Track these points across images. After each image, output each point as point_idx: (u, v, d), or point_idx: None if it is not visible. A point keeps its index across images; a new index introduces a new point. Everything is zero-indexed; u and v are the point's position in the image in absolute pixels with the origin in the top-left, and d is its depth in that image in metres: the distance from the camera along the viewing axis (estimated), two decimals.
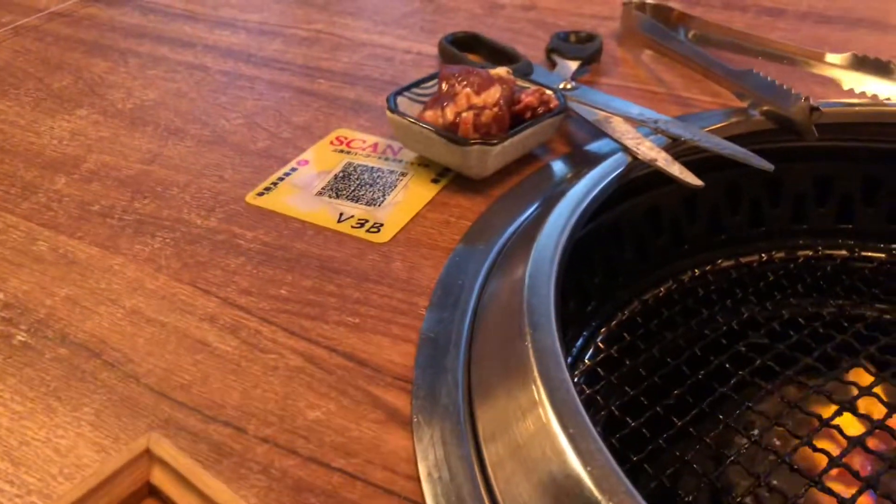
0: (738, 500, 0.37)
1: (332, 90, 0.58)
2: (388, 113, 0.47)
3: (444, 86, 0.47)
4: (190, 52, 0.64)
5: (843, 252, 0.52)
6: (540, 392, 0.30)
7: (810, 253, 0.52)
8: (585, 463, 0.27)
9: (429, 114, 0.46)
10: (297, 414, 0.33)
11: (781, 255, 0.52)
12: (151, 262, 0.42)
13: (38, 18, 0.70)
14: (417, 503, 0.29)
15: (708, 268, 0.51)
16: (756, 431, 0.40)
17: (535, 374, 0.31)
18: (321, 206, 0.45)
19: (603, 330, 0.47)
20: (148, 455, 0.28)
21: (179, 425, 0.32)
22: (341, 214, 0.45)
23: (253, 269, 0.41)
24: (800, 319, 0.47)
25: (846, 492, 0.35)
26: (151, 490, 0.28)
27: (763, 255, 0.51)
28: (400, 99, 0.48)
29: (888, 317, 0.49)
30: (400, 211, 0.45)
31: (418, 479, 0.30)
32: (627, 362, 0.44)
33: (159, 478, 0.27)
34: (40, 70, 0.62)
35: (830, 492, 0.35)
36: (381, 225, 0.44)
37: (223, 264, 0.41)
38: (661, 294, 0.49)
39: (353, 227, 0.44)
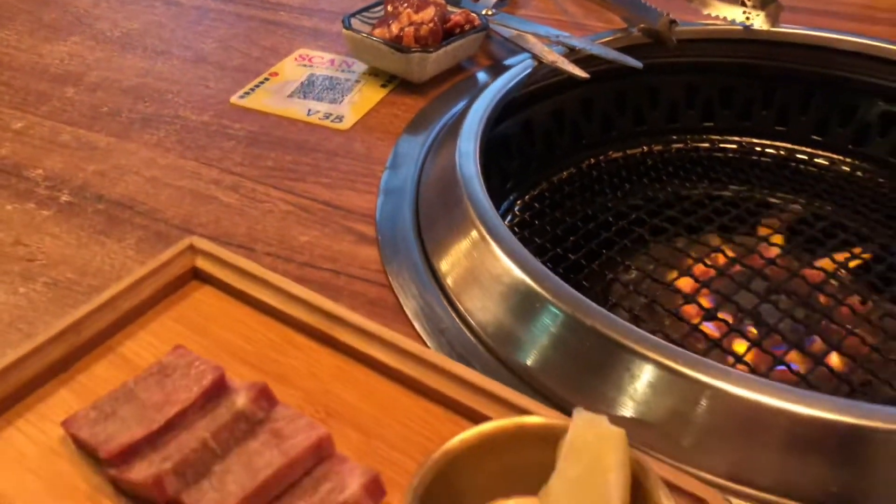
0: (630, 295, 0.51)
1: (292, 20, 0.68)
2: (344, 30, 0.58)
3: (389, 8, 0.58)
4: None
5: (707, 145, 0.66)
6: (476, 222, 0.42)
7: (681, 146, 0.65)
8: (526, 271, 0.39)
9: (377, 31, 0.58)
10: (291, 238, 0.44)
11: (659, 147, 0.65)
12: (160, 146, 0.52)
13: None
14: (384, 285, 0.41)
15: (601, 158, 0.64)
16: (634, 273, 0.54)
17: (472, 209, 0.43)
18: (293, 105, 0.56)
19: (518, 202, 0.59)
20: (191, 249, 0.39)
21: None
22: (309, 110, 0.56)
23: (243, 149, 0.52)
24: (672, 198, 0.61)
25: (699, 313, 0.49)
26: (196, 274, 0.39)
27: (644, 147, 0.65)
28: (353, 20, 0.59)
29: (741, 195, 0.64)
30: (356, 107, 0.56)
31: (386, 277, 0.42)
32: (537, 223, 0.56)
33: (202, 263, 0.39)
34: (29, 5, 0.71)
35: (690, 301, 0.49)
36: (343, 117, 0.55)
37: (219, 146, 0.52)
38: (564, 177, 0.62)
39: (319, 119, 0.55)
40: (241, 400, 0.31)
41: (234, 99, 0.57)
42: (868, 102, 0.61)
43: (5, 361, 0.33)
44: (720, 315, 0.49)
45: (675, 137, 0.66)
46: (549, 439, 0.28)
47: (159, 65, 0.62)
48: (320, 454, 0.29)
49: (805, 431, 0.32)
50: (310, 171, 0.50)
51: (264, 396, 0.31)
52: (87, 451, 0.31)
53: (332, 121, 0.55)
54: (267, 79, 0.59)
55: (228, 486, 0.28)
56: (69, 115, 0.56)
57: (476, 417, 0.32)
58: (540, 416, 0.30)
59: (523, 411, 0.31)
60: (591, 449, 0.27)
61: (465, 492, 0.28)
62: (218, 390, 0.31)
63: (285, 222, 0.46)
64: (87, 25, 0.68)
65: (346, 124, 0.54)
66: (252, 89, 0.58)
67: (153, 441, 0.30)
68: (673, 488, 0.28)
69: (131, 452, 0.29)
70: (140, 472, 0.29)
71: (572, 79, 0.56)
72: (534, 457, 0.28)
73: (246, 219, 0.46)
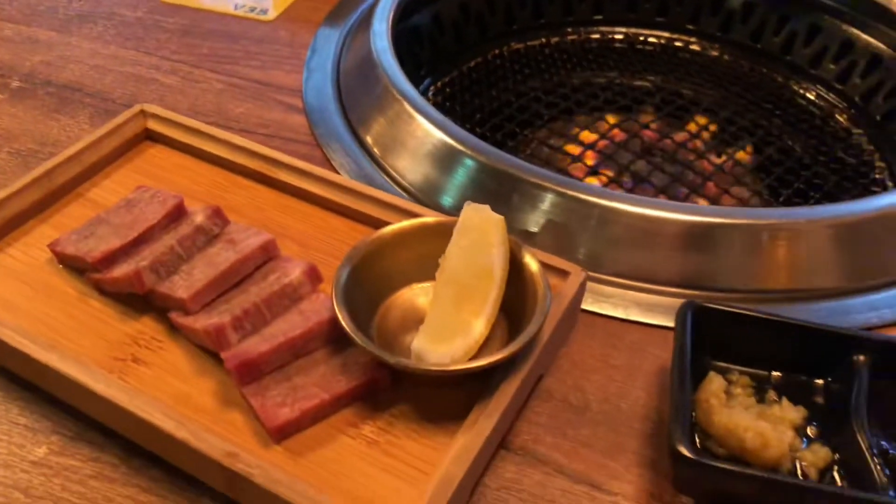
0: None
1: None
2: None
3: None
4: None
5: (597, 35, 0.73)
6: (399, 98, 0.49)
7: (575, 37, 0.73)
8: (448, 134, 0.46)
9: None
10: (228, 111, 0.51)
11: (556, 39, 0.73)
12: (99, 39, 0.57)
13: None
14: (314, 145, 0.48)
15: (505, 48, 0.71)
16: (533, 143, 0.62)
17: (393, 88, 0.50)
18: (220, 1, 0.61)
19: (432, 87, 0.66)
20: (142, 113, 0.45)
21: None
22: (236, 4, 0.61)
23: (178, 40, 0.57)
24: (566, 82, 0.69)
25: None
26: (148, 135, 0.45)
27: (543, 39, 0.72)
28: None
29: (618, 80, 0.72)
30: (279, 1, 0.62)
31: (315, 139, 0.49)
32: (448, 104, 0.64)
33: (153, 125, 0.45)
34: None
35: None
36: (267, 10, 0.61)
37: (155, 38, 0.57)
38: (472, 65, 0.69)
39: (245, 12, 0.60)
40: (199, 218, 0.37)
41: None
42: None
43: None
44: (602, 171, 0.58)
45: (569, 30, 0.73)
46: (445, 232, 0.36)
47: None
48: (267, 253, 0.37)
49: (660, 229, 0.41)
50: (241, 56, 0.56)
51: (218, 215, 0.38)
52: (72, 264, 0.37)
53: (257, 13, 0.60)
54: None
55: (195, 276, 0.35)
56: (7, 12, 0.60)
57: None
58: (438, 216, 0.38)
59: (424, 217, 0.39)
60: (478, 228, 0.35)
61: (389, 275, 0.36)
62: (179, 212, 0.38)
63: (221, 98, 0.52)
64: None
65: (271, 16, 0.60)
66: None
67: (128, 250, 0.37)
68: (544, 266, 0.36)
69: (112, 259, 0.36)
70: (121, 270, 0.35)
71: None
72: (435, 248, 0.36)
73: (186, 97, 0.52)
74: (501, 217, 0.35)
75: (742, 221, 0.41)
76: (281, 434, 0.31)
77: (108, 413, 0.32)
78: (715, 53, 0.72)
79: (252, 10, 0.60)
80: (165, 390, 0.33)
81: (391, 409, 0.33)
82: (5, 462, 0.32)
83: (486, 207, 0.36)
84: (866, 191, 0.57)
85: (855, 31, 0.65)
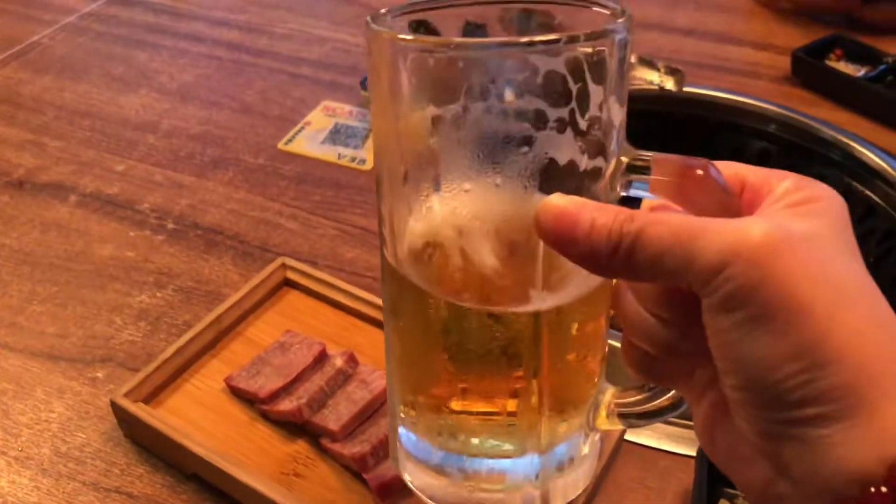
0: None
1: (313, 74, 0.87)
2: (363, 91, 0.77)
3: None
4: (203, 45, 0.91)
5: None
6: None
7: None
8: None
9: None
10: (341, 255, 0.63)
11: None
12: (231, 184, 0.71)
13: (76, 18, 0.95)
14: None
15: None
16: None
17: None
18: (326, 150, 0.75)
19: None
20: (283, 266, 0.58)
21: None
22: (339, 154, 0.75)
23: (295, 187, 0.71)
24: None
25: None
26: (287, 282, 0.58)
27: None
28: (367, 82, 0.78)
29: None
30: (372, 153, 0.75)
31: None
32: None
33: (291, 275, 0.57)
34: (97, 59, 0.88)
35: None
36: (365, 160, 0.74)
37: (276, 184, 0.71)
38: None
39: (347, 161, 0.74)
40: (338, 361, 0.50)
41: (280, 145, 0.75)
42: (750, 142, 0.83)
43: (180, 342, 0.52)
44: None
45: None
46: None
47: (215, 114, 0.80)
48: None
49: None
50: (347, 204, 0.69)
51: (352, 359, 0.50)
52: (242, 395, 0.50)
53: (357, 163, 0.74)
54: (303, 127, 0.78)
55: (340, 411, 0.47)
56: (156, 158, 0.73)
57: None
58: None
59: None
60: None
61: None
62: (322, 356, 0.51)
63: (335, 243, 0.65)
64: (149, 79, 0.85)
65: (368, 166, 0.73)
66: (293, 136, 0.77)
67: (288, 388, 0.49)
68: None
69: (277, 394, 0.49)
70: (285, 405, 0.48)
71: None
72: None
73: (307, 240, 0.65)
74: None
75: None
76: None
77: None
78: None
79: (353, 159, 0.74)
80: (320, 499, 0.45)
81: None
82: None
83: None
84: None
85: (854, 182, 0.78)
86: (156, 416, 0.48)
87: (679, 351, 0.30)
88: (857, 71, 0.83)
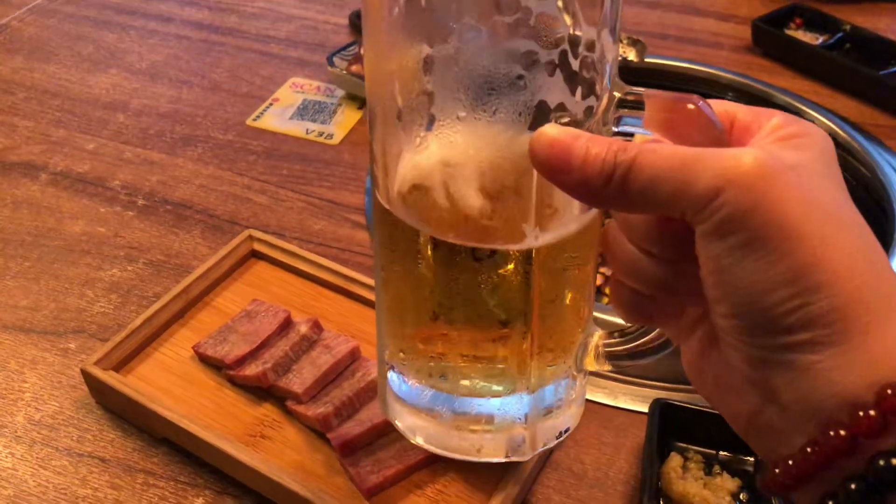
0: None
1: (282, 52, 0.87)
2: (329, 68, 0.78)
3: (363, 50, 0.78)
4: (172, 25, 0.92)
5: None
6: None
7: None
8: None
9: (354, 67, 0.78)
10: (308, 227, 0.65)
11: None
12: (200, 160, 0.72)
13: (45, 0, 0.95)
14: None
15: None
16: None
17: None
18: (294, 126, 0.76)
19: None
20: (250, 237, 0.59)
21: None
22: (307, 129, 0.76)
23: (263, 162, 0.72)
24: None
25: None
26: (254, 254, 0.59)
27: None
28: (335, 59, 0.79)
29: None
30: (341, 126, 0.76)
31: None
32: None
33: (258, 246, 0.59)
34: (67, 40, 0.88)
35: None
36: (332, 134, 0.75)
37: (244, 159, 0.72)
38: None
39: (315, 136, 0.75)
40: (303, 328, 0.51)
41: (249, 121, 0.76)
42: None
43: (149, 312, 0.53)
44: (601, 269, 0.71)
45: None
46: None
47: (185, 92, 0.80)
48: (354, 356, 0.51)
49: None
50: (315, 178, 0.70)
51: (316, 326, 0.52)
52: (210, 362, 0.51)
53: (324, 138, 0.75)
54: (271, 104, 0.79)
55: (304, 375, 0.49)
56: (126, 136, 0.74)
57: None
58: None
59: None
60: None
61: None
62: (287, 323, 0.52)
63: (302, 216, 0.66)
64: (118, 59, 0.85)
65: (336, 140, 0.74)
66: (261, 113, 0.78)
67: (254, 354, 0.50)
68: None
69: (243, 360, 0.50)
70: (251, 370, 0.49)
71: None
72: None
73: (275, 214, 0.66)
74: None
75: None
76: (370, 493, 0.45)
77: (247, 475, 0.46)
78: None
79: (320, 134, 0.75)
80: (286, 460, 0.47)
81: (446, 476, 0.46)
82: None
83: None
84: None
85: None
86: (126, 383, 0.49)
87: (670, 287, 0.30)
88: (816, 39, 0.85)
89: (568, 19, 0.29)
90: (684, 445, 0.48)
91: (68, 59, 0.85)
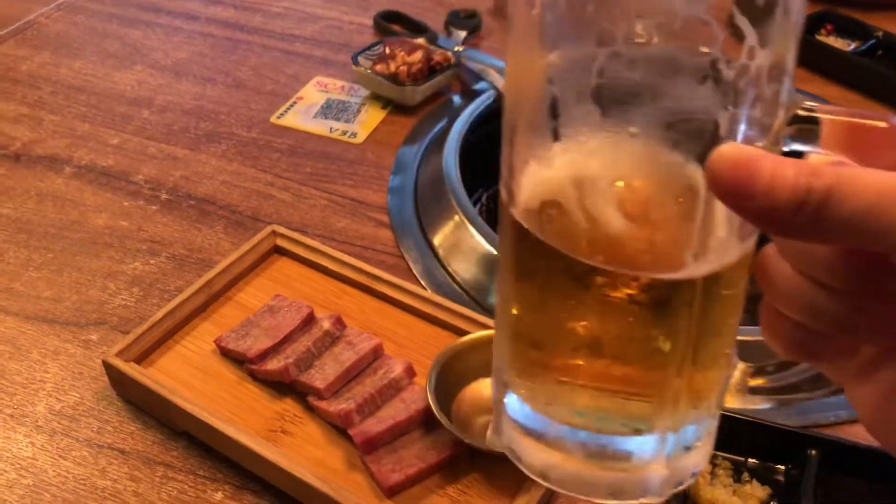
0: None
1: (307, 50, 0.87)
2: (354, 67, 0.78)
3: (388, 49, 0.78)
4: (197, 23, 0.92)
5: None
6: (459, 213, 0.63)
7: None
8: (492, 244, 0.60)
9: (378, 67, 0.77)
10: (332, 225, 0.64)
11: None
12: (224, 157, 0.72)
13: None
14: (399, 256, 0.62)
15: None
16: None
17: (454, 201, 0.64)
18: (317, 124, 0.76)
19: (485, 193, 0.80)
20: (273, 233, 0.59)
21: None
22: (331, 128, 0.75)
23: (287, 159, 0.71)
24: None
25: None
26: (276, 250, 0.59)
27: None
28: (359, 58, 0.79)
29: None
30: (365, 125, 0.76)
31: (398, 247, 0.63)
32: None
33: (281, 242, 0.58)
34: (93, 37, 0.89)
35: None
36: (356, 133, 0.75)
37: (268, 156, 0.72)
38: None
39: (339, 135, 0.75)
40: (325, 324, 0.51)
41: (273, 119, 0.76)
42: None
43: (171, 305, 0.53)
44: None
45: None
46: None
47: (209, 89, 0.81)
48: (376, 353, 0.50)
49: None
50: (338, 176, 0.70)
51: (339, 322, 0.51)
52: (232, 356, 0.51)
53: (348, 136, 0.74)
54: (295, 102, 0.79)
55: (326, 371, 0.48)
56: (150, 132, 0.74)
57: (462, 334, 0.52)
58: None
59: (491, 328, 0.52)
60: None
61: (465, 371, 0.49)
62: (310, 319, 0.52)
63: (325, 213, 0.66)
64: (144, 55, 0.86)
65: (359, 139, 0.74)
66: (285, 111, 0.77)
67: (276, 348, 0.50)
68: None
69: (265, 355, 0.50)
70: (273, 365, 0.49)
71: None
72: None
73: (297, 211, 0.66)
74: None
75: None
76: (391, 492, 0.44)
77: (267, 470, 0.45)
78: None
79: (344, 133, 0.75)
80: (307, 455, 0.46)
81: (468, 476, 0.45)
82: (194, 502, 0.45)
83: None
84: None
85: None
86: (147, 375, 0.49)
87: (847, 324, 0.27)
88: (848, 45, 0.83)
89: (745, 25, 0.26)
90: (713, 452, 0.47)
91: (94, 55, 0.86)
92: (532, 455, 0.36)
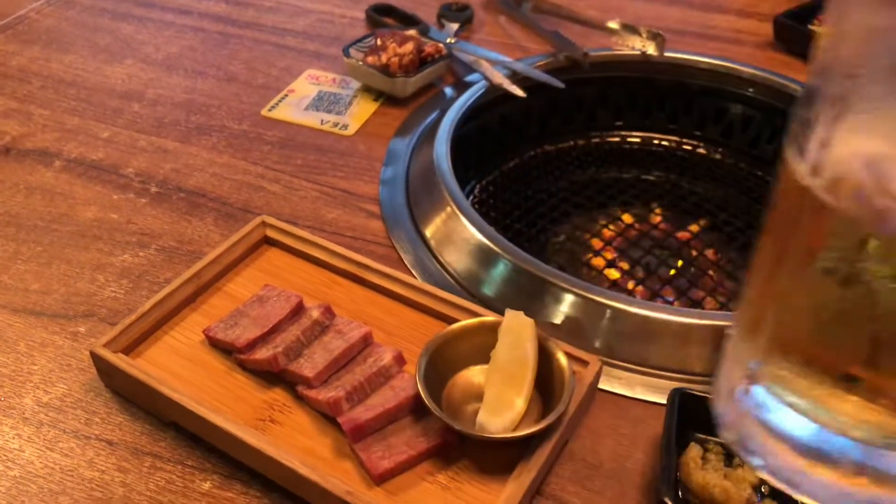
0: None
1: (298, 44, 0.87)
2: (345, 59, 0.77)
3: (379, 41, 0.77)
4: (189, 17, 0.91)
5: (617, 139, 0.87)
6: (451, 204, 0.63)
7: (598, 140, 0.86)
8: (485, 235, 0.59)
9: (370, 58, 0.77)
10: (322, 216, 0.64)
11: (582, 142, 0.86)
12: (214, 149, 0.71)
13: None
14: (389, 246, 0.61)
15: (538, 150, 0.85)
16: (561, 236, 0.75)
17: (446, 193, 0.64)
18: (309, 116, 0.76)
19: (478, 185, 0.80)
20: (263, 223, 0.58)
21: None
22: (322, 120, 0.75)
23: (277, 151, 0.71)
24: (590, 180, 0.82)
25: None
26: (266, 240, 0.58)
27: (571, 142, 0.86)
28: (351, 50, 0.79)
29: (643, 177, 0.85)
30: (356, 117, 0.76)
31: (389, 238, 0.62)
32: (491, 200, 0.77)
33: (271, 232, 0.58)
34: (84, 32, 0.88)
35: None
36: (347, 125, 0.74)
37: (258, 149, 0.71)
38: (511, 166, 0.83)
39: (330, 127, 0.74)
40: (315, 313, 0.51)
41: (264, 111, 0.76)
42: (732, 106, 0.83)
43: (159, 296, 0.52)
44: (619, 263, 0.71)
45: (593, 134, 0.87)
46: (495, 329, 0.49)
47: (199, 83, 0.80)
48: (366, 341, 0.50)
49: (659, 328, 0.53)
50: (329, 168, 0.69)
51: (328, 311, 0.51)
52: (220, 346, 0.51)
53: (339, 128, 0.74)
54: (286, 95, 0.78)
55: (316, 360, 0.48)
56: (140, 125, 0.74)
57: (452, 321, 0.52)
58: (490, 317, 0.51)
59: (480, 316, 0.52)
60: (516, 328, 0.48)
61: (454, 359, 0.49)
62: (299, 308, 0.51)
63: (316, 205, 0.65)
64: (135, 50, 0.85)
65: (351, 131, 0.74)
66: (276, 104, 0.77)
67: (265, 338, 0.50)
68: (568, 356, 0.49)
69: (253, 344, 0.49)
70: (261, 354, 0.49)
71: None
72: (487, 340, 0.49)
73: (288, 202, 0.66)
74: (532, 320, 0.48)
75: (721, 323, 0.53)
76: (381, 479, 0.44)
77: (255, 459, 0.45)
78: (718, 157, 0.85)
79: (335, 125, 0.74)
80: (296, 444, 0.46)
81: (458, 463, 0.45)
82: (182, 492, 0.45)
83: (521, 313, 0.48)
84: None
85: None
86: (135, 366, 0.49)
87: None
88: None
89: None
90: (703, 436, 0.47)
91: (85, 49, 0.85)
92: (784, 462, 0.32)
